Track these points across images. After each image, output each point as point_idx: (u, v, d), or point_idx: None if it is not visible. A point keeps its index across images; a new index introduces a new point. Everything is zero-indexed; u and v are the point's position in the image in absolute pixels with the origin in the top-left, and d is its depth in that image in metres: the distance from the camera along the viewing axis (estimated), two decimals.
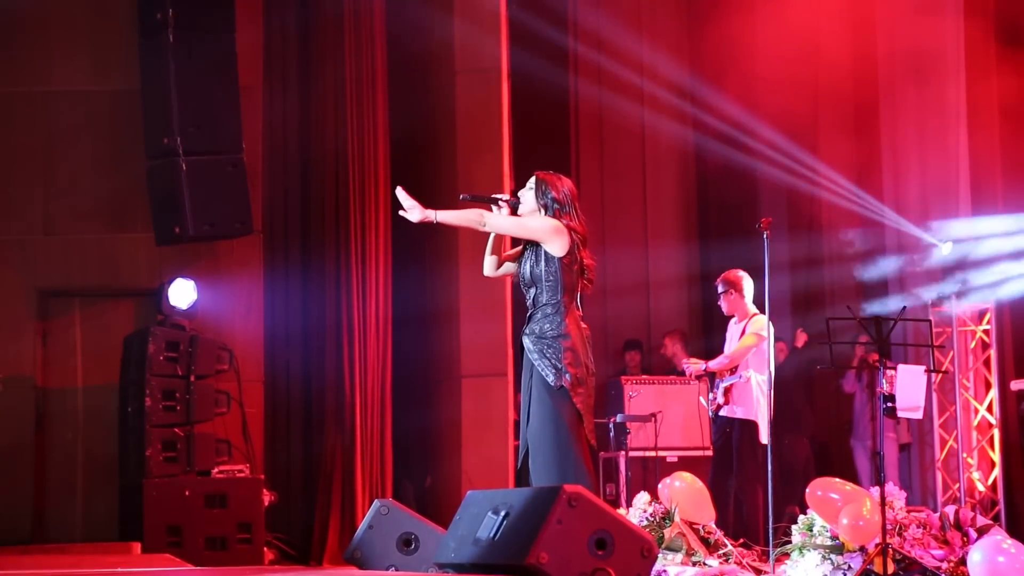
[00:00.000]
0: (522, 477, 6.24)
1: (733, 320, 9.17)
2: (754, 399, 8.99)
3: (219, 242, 10.09)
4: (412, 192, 6.30)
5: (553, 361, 6.15)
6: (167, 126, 9.49)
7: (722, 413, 9.15)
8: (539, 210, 6.32)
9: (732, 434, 9.13)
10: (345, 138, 10.58)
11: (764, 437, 8.83)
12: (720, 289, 9.10)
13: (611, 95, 13.09)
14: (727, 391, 9.10)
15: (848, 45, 12.26)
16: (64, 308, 10.27)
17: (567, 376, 6.13)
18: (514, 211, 6.42)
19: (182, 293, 9.71)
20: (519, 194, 6.41)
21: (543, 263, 6.25)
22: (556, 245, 6.23)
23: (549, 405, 6.15)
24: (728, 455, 9.22)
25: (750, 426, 9.02)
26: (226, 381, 9.84)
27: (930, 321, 8.68)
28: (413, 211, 6.27)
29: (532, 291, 6.30)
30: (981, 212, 11.40)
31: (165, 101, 9.48)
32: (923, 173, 11.95)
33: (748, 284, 9.03)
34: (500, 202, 6.41)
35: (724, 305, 9.10)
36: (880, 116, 12.32)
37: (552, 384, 6.13)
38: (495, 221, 6.30)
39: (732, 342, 9.10)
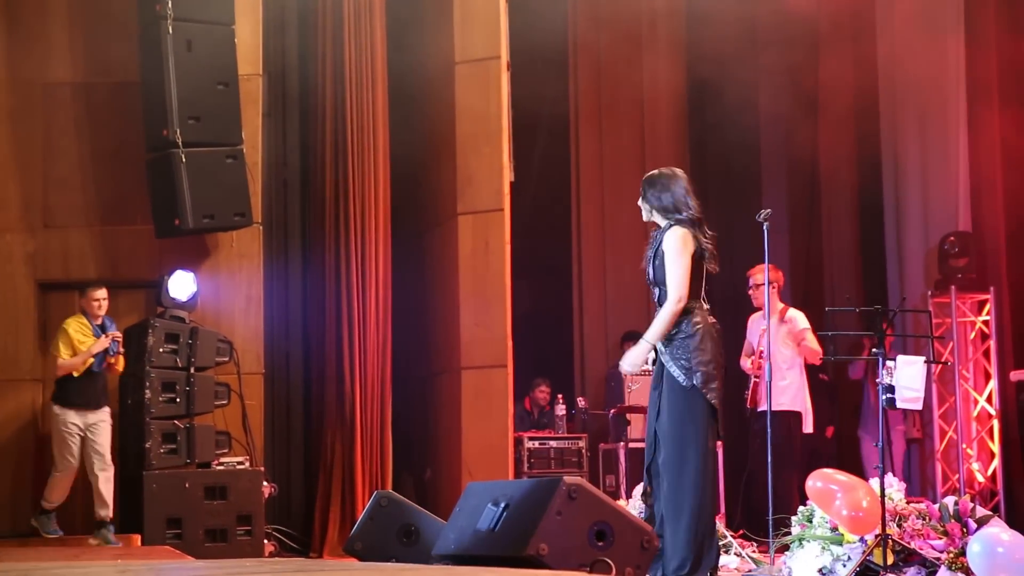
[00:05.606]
0: (650, 472, 6.24)
1: (760, 314, 9.28)
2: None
3: (219, 234, 10.09)
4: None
5: (683, 362, 6.14)
6: (166, 118, 9.48)
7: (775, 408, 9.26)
8: (655, 215, 6.36)
9: (780, 427, 9.18)
10: (345, 129, 10.57)
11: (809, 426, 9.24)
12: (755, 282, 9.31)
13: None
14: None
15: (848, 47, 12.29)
16: (64, 301, 10.25)
17: (698, 375, 6.12)
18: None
19: (182, 285, 9.70)
20: (639, 203, 6.41)
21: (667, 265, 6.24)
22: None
23: (680, 404, 6.15)
24: (782, 449, 9.28)
25: (798, 417, 9.34)
26: (226, 373, 9.84)
27: (930, 312, 8.67)
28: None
29: (657, 290, 6.33)
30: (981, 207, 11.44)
31: (164, 93, 9.47)
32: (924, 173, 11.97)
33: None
34: None
35: (758, 298, 9.29)
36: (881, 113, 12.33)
37: (684, 384, 6.13)
38: (679, 293, 6.19)
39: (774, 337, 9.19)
